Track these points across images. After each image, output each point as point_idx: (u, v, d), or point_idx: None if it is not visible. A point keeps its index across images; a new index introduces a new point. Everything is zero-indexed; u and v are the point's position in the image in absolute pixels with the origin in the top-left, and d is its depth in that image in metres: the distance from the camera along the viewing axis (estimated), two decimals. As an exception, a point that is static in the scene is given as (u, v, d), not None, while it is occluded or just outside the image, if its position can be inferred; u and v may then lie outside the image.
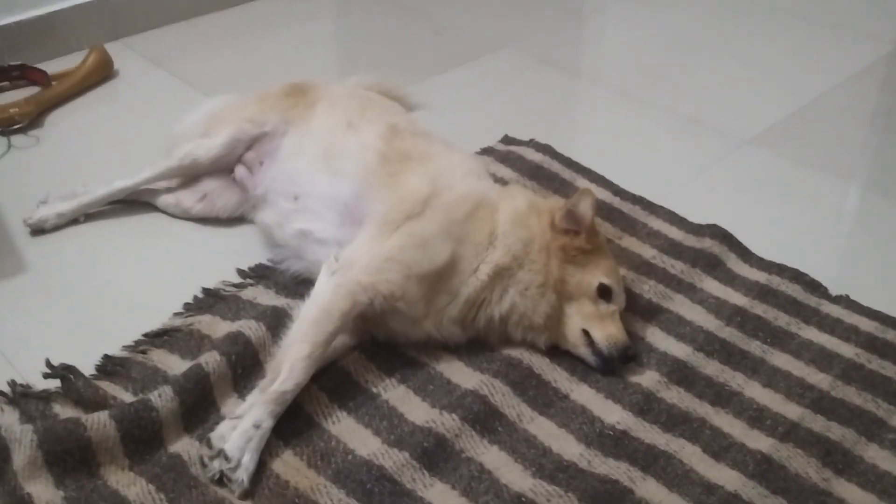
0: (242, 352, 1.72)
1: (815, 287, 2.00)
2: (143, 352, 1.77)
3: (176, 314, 1.88)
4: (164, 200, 2.17)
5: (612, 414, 1.68)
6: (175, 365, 1.74)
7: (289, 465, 1.56)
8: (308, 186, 1.95)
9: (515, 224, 1.81)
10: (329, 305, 1.69)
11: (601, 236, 1.88)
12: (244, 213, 2.16)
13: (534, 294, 1.77)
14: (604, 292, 1.78)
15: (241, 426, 1.56)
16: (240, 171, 2.12)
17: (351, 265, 1.75)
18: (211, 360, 1.68)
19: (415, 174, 1.87)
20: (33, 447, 1.49)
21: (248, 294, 1.92)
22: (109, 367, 1.74)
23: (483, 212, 1.82)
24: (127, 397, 1.66)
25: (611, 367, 1.75)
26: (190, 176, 2.16)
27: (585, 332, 1.77)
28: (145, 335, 1.81)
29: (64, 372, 1.70)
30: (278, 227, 1.99)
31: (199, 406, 1.64)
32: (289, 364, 1.62)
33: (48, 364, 1.72)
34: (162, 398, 1.60)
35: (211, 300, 1.91)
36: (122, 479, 1.52)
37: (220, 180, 2.15)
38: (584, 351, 1.77)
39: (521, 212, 1.84)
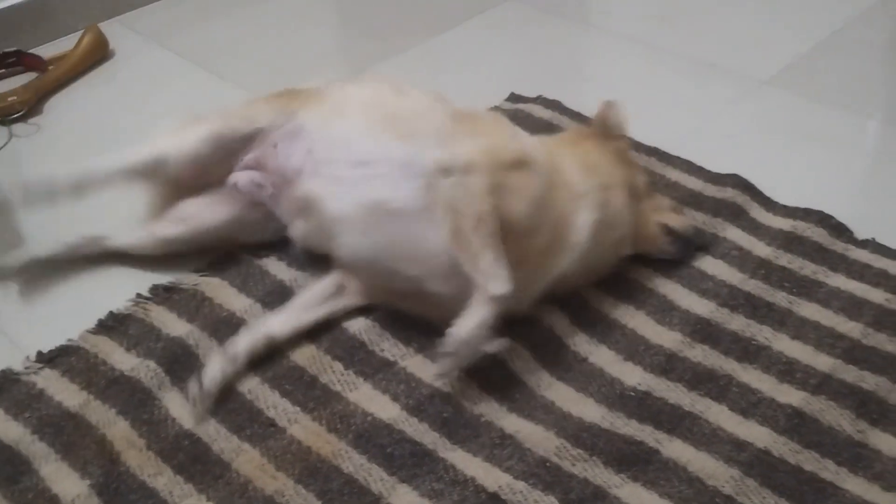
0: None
1: (841, 231, 1.93)
2: (145, 308, 1.77)
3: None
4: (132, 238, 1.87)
5: (633, 376, 1.63)
6: (171, 324, 1.73)
7: (309, 431, 1.54)
8: (377, 152, 1.65)
9: (585, 172, 1.71)
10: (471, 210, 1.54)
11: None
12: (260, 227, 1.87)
13: (625, 214, 1.74)
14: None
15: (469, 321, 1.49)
16: (243, 177, 1.82)
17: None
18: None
19: (493, 133, 1.71)
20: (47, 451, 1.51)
21: (263, 262, 1.88)
22: (111, 322, 1.74)
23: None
24: (119, 354, 1.67)
25: (691, 251, 1.83)
26: (152, 177, 1.82)
27: (662, 225, 1.80)
28: (153, 287, 1.81)
29: (54, 354, 1.69)
30: (333, 198, 1.67)
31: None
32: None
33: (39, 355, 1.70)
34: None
35: (224, 263, 1.88)
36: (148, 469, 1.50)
37: (206, 197, 1.84)
38: (664, 242, 1.81)
39: (582, 159, 1.74)
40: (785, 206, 2.02)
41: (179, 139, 1.78)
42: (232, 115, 1.82)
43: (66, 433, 1.55)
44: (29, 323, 1.80)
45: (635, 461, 1.48)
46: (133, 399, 1.59)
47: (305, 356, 1.68)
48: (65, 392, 1.62)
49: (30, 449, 1.52)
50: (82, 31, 2.67)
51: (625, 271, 1.83)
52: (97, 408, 1.59)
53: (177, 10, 2.99)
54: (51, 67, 2.59)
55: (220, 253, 1.90)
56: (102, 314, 1.77)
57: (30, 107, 2.45)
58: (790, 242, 1.91)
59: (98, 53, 2.67)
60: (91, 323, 1.75)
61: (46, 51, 2.67)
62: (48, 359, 1.68)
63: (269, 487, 1.46)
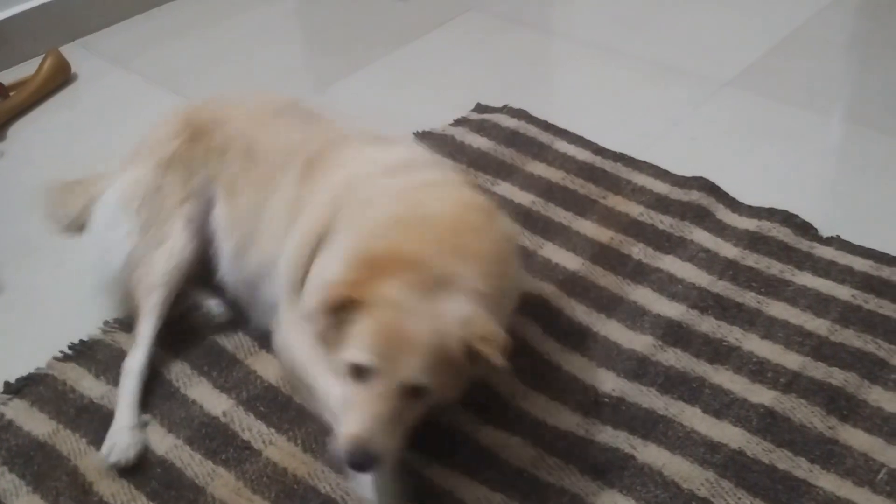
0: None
1: (805, 230, 1.96)
2: (111, 333, 1.76)
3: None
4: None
5: (606, 382, 1.64)
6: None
7: (284, 452, 1.54)
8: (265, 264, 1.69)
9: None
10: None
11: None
12: None
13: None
14: (359, 372, 1.32)
15: None
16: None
17: None
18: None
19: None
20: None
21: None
22: (81, 347, 1.73)
23: None
24: (88, 381, 1.67)
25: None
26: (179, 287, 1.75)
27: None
28: (117, 319, 1.80)
29: (23, 383, 1.67)
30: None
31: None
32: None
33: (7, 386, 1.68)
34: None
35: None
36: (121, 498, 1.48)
37: None
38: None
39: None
40: (750, 207, 2.05)
41: (171, 246, 1.73)
42: (180, 200, 1.75)
43: (37, 463, 1.53)
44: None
45: (611, 468, 1.49)
46: (104, 427, 1.57)
47: (279, 376, 1.66)
48: (34, 422, 1.60)
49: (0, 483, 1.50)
50: (43, 56, 2.64)
51: (593, 278, 1.85)
52: (67, 437, 1.57)
53: (138, 31, 2.97)
54: (12, 93, 2.56)
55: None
56: (68, 343, 1.75)
57: (-8, 134, 2.42)
58: (756, 242, 1.93)
59: (60, 77, 2.64)
60: (58, 351, 1.73)
61: (7, 77, 2.64)
62: (16, 389, 1.66)
63: (246, 510, 1.45)
